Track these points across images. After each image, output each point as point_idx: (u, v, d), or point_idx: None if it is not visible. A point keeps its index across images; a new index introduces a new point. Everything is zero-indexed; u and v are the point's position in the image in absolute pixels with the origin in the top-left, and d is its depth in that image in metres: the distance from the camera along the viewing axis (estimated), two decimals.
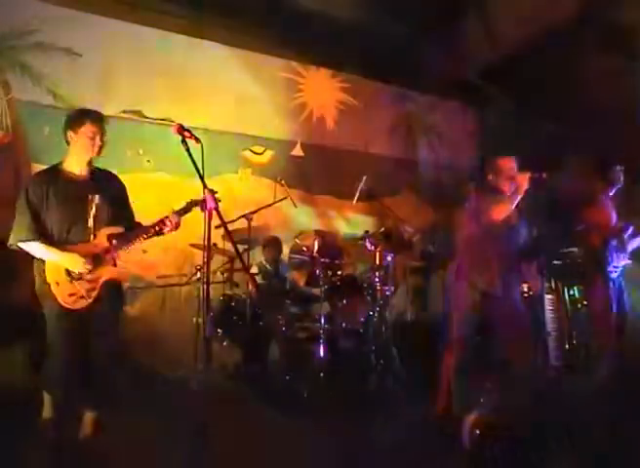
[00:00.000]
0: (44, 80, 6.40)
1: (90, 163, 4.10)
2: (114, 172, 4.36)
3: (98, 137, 4.02)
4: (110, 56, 6.74)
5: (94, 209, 4.02)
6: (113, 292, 4.11)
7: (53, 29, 6.43)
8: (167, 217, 4.11)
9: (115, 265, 4.09)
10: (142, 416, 4.74)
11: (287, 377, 5.69)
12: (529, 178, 4.70)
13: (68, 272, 3.90)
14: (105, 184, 4.18)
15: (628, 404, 3.92)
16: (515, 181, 4.78)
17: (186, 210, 4.16)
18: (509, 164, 4.89)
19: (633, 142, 7.50)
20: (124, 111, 6.77)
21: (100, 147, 4.06)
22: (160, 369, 5.84)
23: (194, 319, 5.80)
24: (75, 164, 4.07)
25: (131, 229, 4.17)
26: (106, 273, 4.02)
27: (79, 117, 4.04)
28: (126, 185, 4.40)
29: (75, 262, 3.89)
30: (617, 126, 8.90)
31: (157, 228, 4.11)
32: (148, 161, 6.86)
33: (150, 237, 4.14)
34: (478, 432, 3.81)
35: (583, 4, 6.77)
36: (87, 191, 4.04)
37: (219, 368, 5.76)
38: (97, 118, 4.06)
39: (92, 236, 4.02)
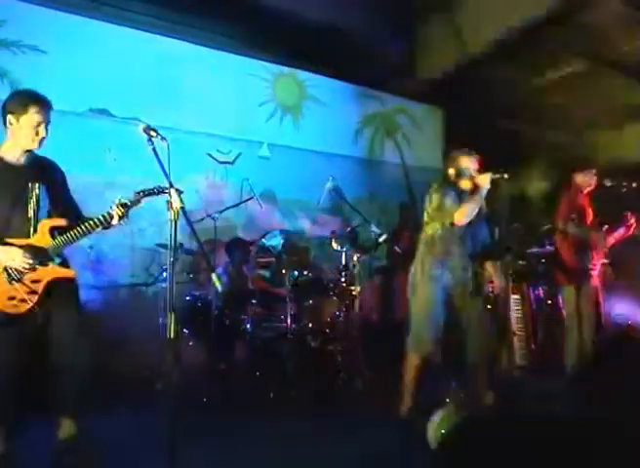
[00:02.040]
0: (8, 77, 6.31)
1: (29, 150, 3.72)
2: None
3: (42, 127, 3.67)
4: (76, 53, 6.66)
5: (34, 199, 3.67)
6: (63, 295, 3.73)
7: (18, 26, 6.35)
8: (112, 209, 3.71)
9: (63, 264, 3.76)
10: (110, 417, 4.73)
11: (253, 378, 5.68)
12: (490, 179, 4.75)
13: (7, 271, 3.53)
14: (45, 172, 3.82)
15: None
16: (476, 180, 4.84)
17: (133, 202, 3.79)
18: (470, 163, 4.93)
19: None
20: (90, 109, 6.71)
21: (43, 138, 3.71)
22: (125, 369, 5.80)
23: (159, 319, 5.78)
24: (12, 151, 3.69)
25: (75, 221, 3.78)
26: (51, 273, 3.65)
27: (23, 101, 3.65)
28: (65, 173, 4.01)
29: (13, 255, 3.51)
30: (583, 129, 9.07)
31: (103, 220, 3.72)
32: (115, 160, 6.79)
33: (95, 230, 3.75)
34: (443, 431, 3.83)
35: (552, 5, 6.84)
36: (26, 180, 3.69)
37: (184, 368, 5.73)
38: (43, 104, 3.69)
39: (32, 229, 3.65)
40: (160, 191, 3.69)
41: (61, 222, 3.75)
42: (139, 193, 3.84)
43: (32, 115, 3.64)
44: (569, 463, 2.59)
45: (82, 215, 3.95)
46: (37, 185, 3.71)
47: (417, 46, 8.56)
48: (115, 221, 3.76)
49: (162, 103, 7.10)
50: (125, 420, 4.73)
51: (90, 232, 3.74)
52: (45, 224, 3.69)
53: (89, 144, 6.62)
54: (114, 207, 3.73)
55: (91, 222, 3.73)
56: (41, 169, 3.82)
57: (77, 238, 3.72)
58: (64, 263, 3.80)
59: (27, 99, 3.66)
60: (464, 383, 5.05)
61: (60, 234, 3.70)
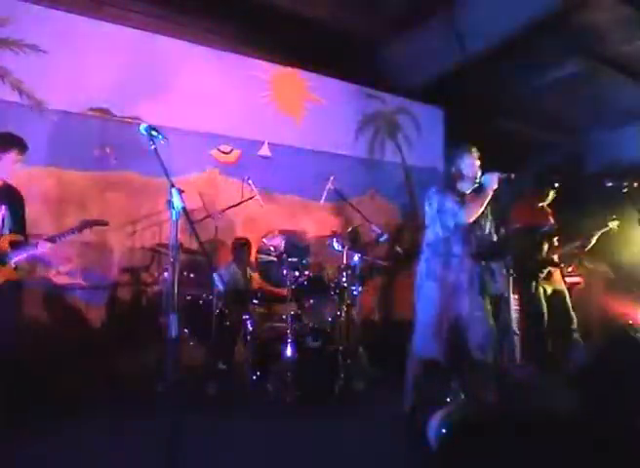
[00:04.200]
0: (10, 76, 6.31)
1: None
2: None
3: (18, 165, 4.56)
4: (78, 53, 6.66)
5: (1, 218, 4.50)
6: (11, 292, 4.53)
7: (19, 25, 6.34)
8: (38, 243, 4.60)
9: (14, 269, 4.55)
10: (109, 417, 4.73)
11: (254, 377, 5.68)
12: (498, 179, 4.74)
13: None
14: (11, 196, 4.64)
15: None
16: (481, 181, 4.82)
17: (58, 238, 4.68)
18: (473, 161, 4.92)
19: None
20: (91, 109, 6.70)
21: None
22: (126, 369, 5.80)
23: (161, 319, 5.78)
24: None
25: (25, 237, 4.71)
26: (5, 274, 4.47)
27: (9, 144, 4.49)
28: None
29: None
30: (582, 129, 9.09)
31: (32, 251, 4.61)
32: (115, 159, 6.78)
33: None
34: (444, 431, 3.82)
35: (551, 5, 6.84)
36: None
37: (185, 368, 5.72)
38: (23, 148, 4.55)
39: None
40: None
41: (20, 238, 4.63)
42: (63, 232, 4.75)
43: (15, 156, 4.52)
44: (569, 463, 2.59)
45: (26, 235, 4.78)
46: (4, 207, 4.54)
47: (417, 46, 8.54)
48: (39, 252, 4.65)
49: (162, 103, 7.10)
50: (125, 420, 4.73)
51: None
52: (6, 238, 4.53)
53: (89, 144, 6.62)
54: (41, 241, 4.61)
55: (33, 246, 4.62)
56: (8, 194, 4.64)
57: (26, 255, 4.63)
58: (16, 268, 4.59)
59: (12, 143, 4.52)
60: (465, 383, 5.05)
61: (16, 247, 4.56)
